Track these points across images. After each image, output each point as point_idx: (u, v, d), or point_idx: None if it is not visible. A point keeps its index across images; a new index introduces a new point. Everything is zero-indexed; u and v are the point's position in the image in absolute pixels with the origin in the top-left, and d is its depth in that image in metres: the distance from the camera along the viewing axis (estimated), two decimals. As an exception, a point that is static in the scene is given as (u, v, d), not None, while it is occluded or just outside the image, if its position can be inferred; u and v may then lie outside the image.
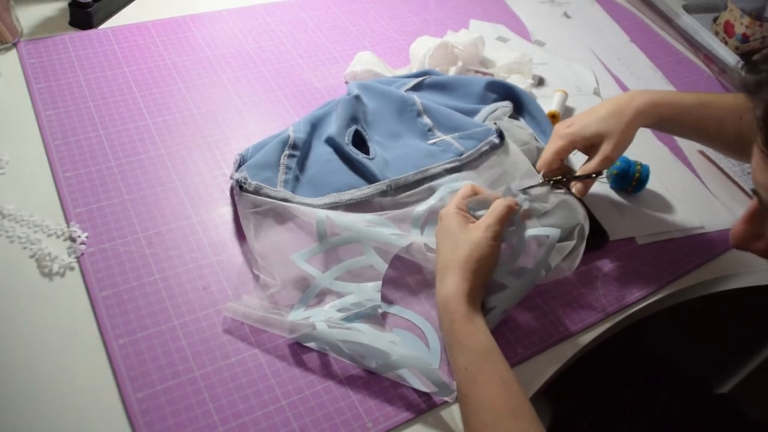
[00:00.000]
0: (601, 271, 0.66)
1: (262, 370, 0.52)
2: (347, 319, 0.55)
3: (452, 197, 0.62)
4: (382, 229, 0.59)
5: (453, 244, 0.55)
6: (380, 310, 0.56)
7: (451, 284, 0.53)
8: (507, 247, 0.60)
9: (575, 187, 0.64)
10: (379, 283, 0.58)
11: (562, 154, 0.64)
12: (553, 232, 0.59)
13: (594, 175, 0.63)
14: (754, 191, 0.40)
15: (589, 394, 0.73)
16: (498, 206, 0.57)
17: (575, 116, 0.66)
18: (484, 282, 0.55)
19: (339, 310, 0.55)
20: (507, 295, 0.58)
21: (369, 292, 0.57)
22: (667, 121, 0.64)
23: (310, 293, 0.57)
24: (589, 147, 0.64)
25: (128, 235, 0.59)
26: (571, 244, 0.60)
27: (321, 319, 0.54)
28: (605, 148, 0.62)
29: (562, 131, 0.64)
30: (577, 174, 0.64)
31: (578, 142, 0.63)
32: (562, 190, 0.64)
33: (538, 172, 0.65)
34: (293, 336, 0.54)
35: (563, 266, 0.60)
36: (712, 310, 0.79)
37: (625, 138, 0.62)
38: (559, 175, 0.64)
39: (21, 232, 0.58)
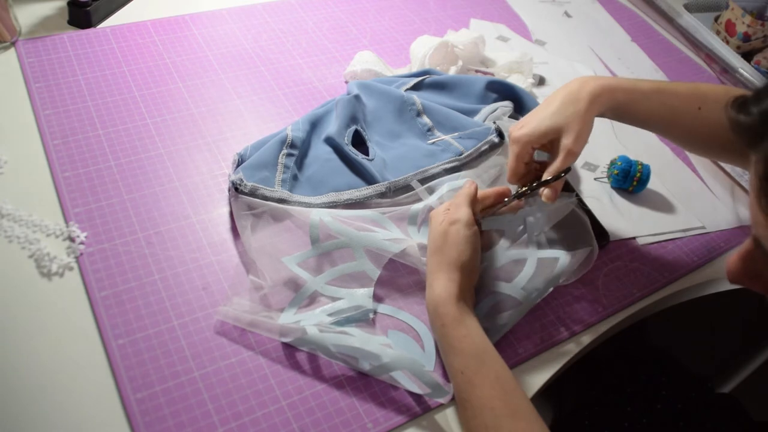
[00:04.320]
0: (602, 271, 0.66)
1: (261, 370, 0.52)
2: (338, 323, 0.55)
3: (451, 195, 0.62)
4: (377, 232, 0.59)
5: (437, 245, 0.55)
6: (371, 315, 0.56)
7: (438, 287, 0.53)
8: (500, 236, 0.60)
9: (544, 194, 0.58)
10: (371, 290, 0.57)
11: (524, 158, 0.59)
12: (563, 256, 0.59)
13: (563, 174, 0.57)
14: (755, 238, 0.37)
15: (591, 393, 0.72)
16: (459, 194, 0.57)
17: (527, 115, 0.61)
18: (471, 279, 0.54)
19: (330, 315, 0.55)
20: (519, 312, 0.58)
21: (360, 298, 0.57)
22: (622, 107, 0.59)
23: (300, 296, 0.56)
24: (548, 144, 0.59)
25: (127, 235, 0.59)
26: (580, 259, 0.60)
27: (311, 323, 0.53)
28: (566, 143, 0.56)
29: (515, 134, 0.59)
30: (544, 179, 0.58)
31: (534, 141, 0.58)
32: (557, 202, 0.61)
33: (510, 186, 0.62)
34: (284, 340, 0.53)
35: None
36: (713, 310, 0.79)
37: (584, 127, 0.57)
38: (533, 179, 0.60)
39: (20, 231, 0.57)
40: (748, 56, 1.03)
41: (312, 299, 0.57)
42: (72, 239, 0.58)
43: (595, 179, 0.76)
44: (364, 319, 0.56)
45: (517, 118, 0.77)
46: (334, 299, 0.57)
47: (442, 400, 0.52)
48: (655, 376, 0.71)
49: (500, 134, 0.69)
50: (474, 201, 0.58)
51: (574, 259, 0.59)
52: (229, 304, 0.54)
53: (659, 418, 0.66)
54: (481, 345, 0.50)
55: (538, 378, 0.56)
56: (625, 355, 0.75)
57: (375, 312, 0.57)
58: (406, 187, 0.65)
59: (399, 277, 0.61)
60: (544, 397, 0.63)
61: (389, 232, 0.60)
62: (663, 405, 0.67)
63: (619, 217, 0.72)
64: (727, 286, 0.70)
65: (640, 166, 0.73)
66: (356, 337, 0.52)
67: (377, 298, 0.58)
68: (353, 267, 0.59)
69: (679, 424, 0.66)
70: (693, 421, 0.66)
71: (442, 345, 0.52)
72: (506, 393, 0.48)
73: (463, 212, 0.55)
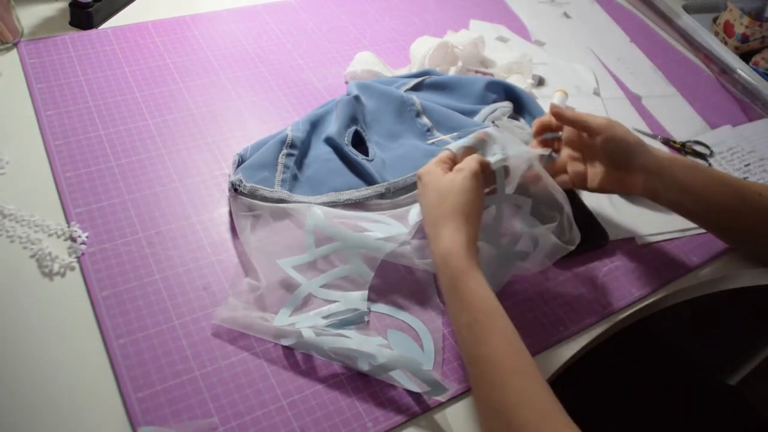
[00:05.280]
0: (601, 271, 0.66)
1: (262, 369, 0.52)
2: (333, 326, 0.55)
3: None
4: (372, 232, 0.59)
5: (437, 196, 0.53)
6: (366, 318, 0.56)
7: (446, 239, 0.50)
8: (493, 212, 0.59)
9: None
10: (365, 292, 0.57)
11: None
12: (525, 202, 0.58)
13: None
14: None
15: (590, 393, 0.73)
16: (467, 140, 0.55)
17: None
18: (477, 228, 0.53)
19: (324, 317, 0.55)
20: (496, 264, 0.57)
21: (355, 301, 0.57)
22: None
23: (295, 298, 0.56)
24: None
25: (128, 235, 0.59)
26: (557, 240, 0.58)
27: (307, 325, 0.54)
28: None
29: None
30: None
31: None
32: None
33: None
34: (280, 342, 0.53)
35: (542, 255, 0.59)
36: (712, 309, 0.79)
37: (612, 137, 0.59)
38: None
39: (21, 232, 0.58)
40: (746, 57, 1.03)
41: (306, 301, 0.57)
42: (73, 239, 0.58)
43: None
44: (359, 321, 0.56)
45: (516, 119, 0.78)
46: (328, 302, 0.57)
47: (441, 398, 0.52)
48: (656, 374, 0.71)
49: (499, 135, 0.69)
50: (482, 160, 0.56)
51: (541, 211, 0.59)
52: (225, 305, 0.54)
53: (660, 414, 0.67)
54: (490, 301, 0.49)
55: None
56: (624, 355, 0.75)
57: (369, 313, 0.57)
58: (406, 188, 0.65)
59: (398, 277, 0.61)
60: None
61: (387, 226, 0.60)
62: (664, 401, 0.68)
63: (618, 217, 0.72)
64: (727, 286, 0.70)
65: (639, 167, 0.73)
66: (353, 339, 0.52)
67: (376, 298, 0.59)
68: (347, 270, 0.59)
69: (681, 418, 0.66)
70: (694, 415, 0.66)
71: (449, 299, 0.50)
72: (514, 351, 0.47)
73: (469, 163, 0.53)
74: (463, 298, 0.49)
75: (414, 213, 0.60)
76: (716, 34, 1.07)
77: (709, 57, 1.03)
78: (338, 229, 0.59)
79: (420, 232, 0.58)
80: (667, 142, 0.85)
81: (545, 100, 0.84)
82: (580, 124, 0.61)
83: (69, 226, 0.59)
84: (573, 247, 0.58)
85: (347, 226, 0.59)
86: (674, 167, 0.60)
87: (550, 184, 0.58)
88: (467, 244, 0.50)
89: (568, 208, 0.58)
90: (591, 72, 0.94)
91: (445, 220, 0.51)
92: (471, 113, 0.75)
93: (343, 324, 0.55)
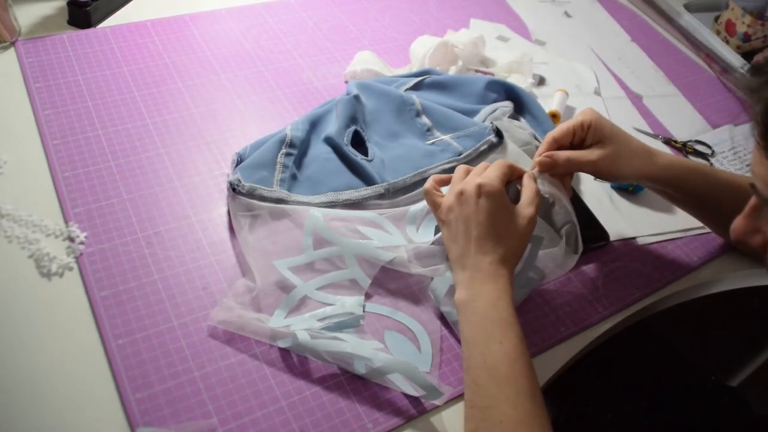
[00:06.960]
0: (602, 271, 0.66)
1: (261, 370, 0.52)
2: (328, 328, 0.54)
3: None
4: (371, 240, 0.59)
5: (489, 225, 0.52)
6: (362, 322, 0.55)
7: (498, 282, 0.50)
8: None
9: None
10: (361, 298, 0.57)
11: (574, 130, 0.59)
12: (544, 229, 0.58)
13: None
14: (752, 185, 0.41)
15: (591, 393, 0.73)
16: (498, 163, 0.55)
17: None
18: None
19: (320, 320, 0.55)
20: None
21: (350, 306, 0.56)
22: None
23: (290, 300, 0.56)
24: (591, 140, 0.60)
25: (127, 235, 0.59)
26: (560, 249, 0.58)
27: (302, 327, 0.53)
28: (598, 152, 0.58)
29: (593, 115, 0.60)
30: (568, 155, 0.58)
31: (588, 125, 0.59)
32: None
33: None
34: (276, 344, 0.53)
35: (557, 269, 0.59)
36: (713, 310, 0.79)
37: (621, 160, 0.58)
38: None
39: (19, 231, 0.57)
40: (748, 56, 1.03)
41: (302, 303, 0.56)
42: (72, 239, 0.58)
43: (595, 179, 0.76)
44: (354, 325, 0.55)
45: (517, 119, 0.77)
46: (324, 305, 0.56)
47: (437, 402, 0.52)
48: (656, 375, 0.71)
49: (498, 134, 0.69)
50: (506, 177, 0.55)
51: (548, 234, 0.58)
52: (221, 306, 0.54)
53: (660, 415, 0.67)
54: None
55: (538, 378, 0.56)
56: (624, 355, 0.75)
57: (364, 317, 0.56)
58: (405, 188, 0.65)
59: (397, 278, 0.61)
60: (544, 397, 0.63)
61: (387, 234, 0.60)
62: (664, 401, 0.68)
63: (619, 217, 0.72)
64: (727, 286, 0.70)
65: (640, 166, 0.73)
66: (348, 343, 0.52)
67: (373, 298, 0.58)
68: (344, 275, 0.58)
69: (681, 419, 0.66)
70: (695, 415, 0.66)
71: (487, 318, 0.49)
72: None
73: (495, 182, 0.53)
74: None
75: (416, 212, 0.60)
76: (718, 33, 1.07)
77: (710, 56, 1.02)
78: (337, 235, 0.59)
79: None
80: (669, 141, 0.85)
81: (546, 99, 0.84)
82: (574, 166, 0.59)
83: (67, 226, 0.58)
84: (578, 255, 0.58)
85: (347, 230, 0.59)
86: (666, 175, 0.60)
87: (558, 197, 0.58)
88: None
89: (575, 219, 0.58)
90: (592, 71, 0.94)
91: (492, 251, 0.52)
92: (471, 113, 0.75)
93: (339, 327, 0.55)
